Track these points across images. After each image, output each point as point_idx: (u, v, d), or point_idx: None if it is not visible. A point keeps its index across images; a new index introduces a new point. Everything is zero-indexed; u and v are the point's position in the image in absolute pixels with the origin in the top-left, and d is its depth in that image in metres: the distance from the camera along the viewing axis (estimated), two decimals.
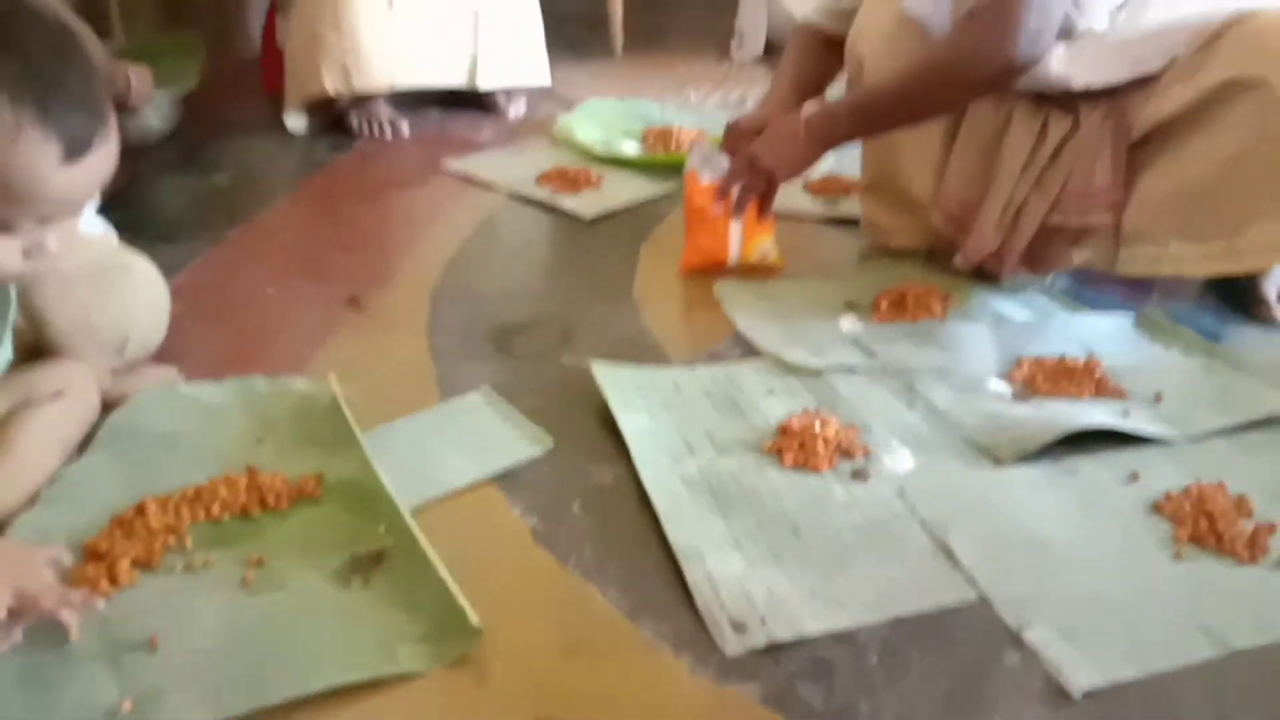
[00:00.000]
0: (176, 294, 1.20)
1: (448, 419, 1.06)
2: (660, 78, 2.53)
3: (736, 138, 1.43)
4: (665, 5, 3.13)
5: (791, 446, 1.01)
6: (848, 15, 1.46)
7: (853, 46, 1.42)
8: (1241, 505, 0.93)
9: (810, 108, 1.31)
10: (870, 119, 1.28)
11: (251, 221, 1.64)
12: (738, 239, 1.41)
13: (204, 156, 1.93)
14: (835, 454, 1.01)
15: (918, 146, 1.40)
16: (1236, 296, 1.32)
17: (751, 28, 2.72)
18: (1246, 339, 1.27)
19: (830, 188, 1.74)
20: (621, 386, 1.11)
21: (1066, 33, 1.22)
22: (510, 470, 0.98)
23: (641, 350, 1.24)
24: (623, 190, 1.76)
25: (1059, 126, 1.28)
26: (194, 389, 1.11)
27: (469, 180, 1.82)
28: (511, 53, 2.18)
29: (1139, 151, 1.25)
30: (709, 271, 1.42)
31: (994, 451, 1.02)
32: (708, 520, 0.91)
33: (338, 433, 1.01)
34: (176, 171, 1.85)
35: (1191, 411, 1.08)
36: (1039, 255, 1.32)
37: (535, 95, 2.29)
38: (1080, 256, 1.31)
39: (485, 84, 2.15)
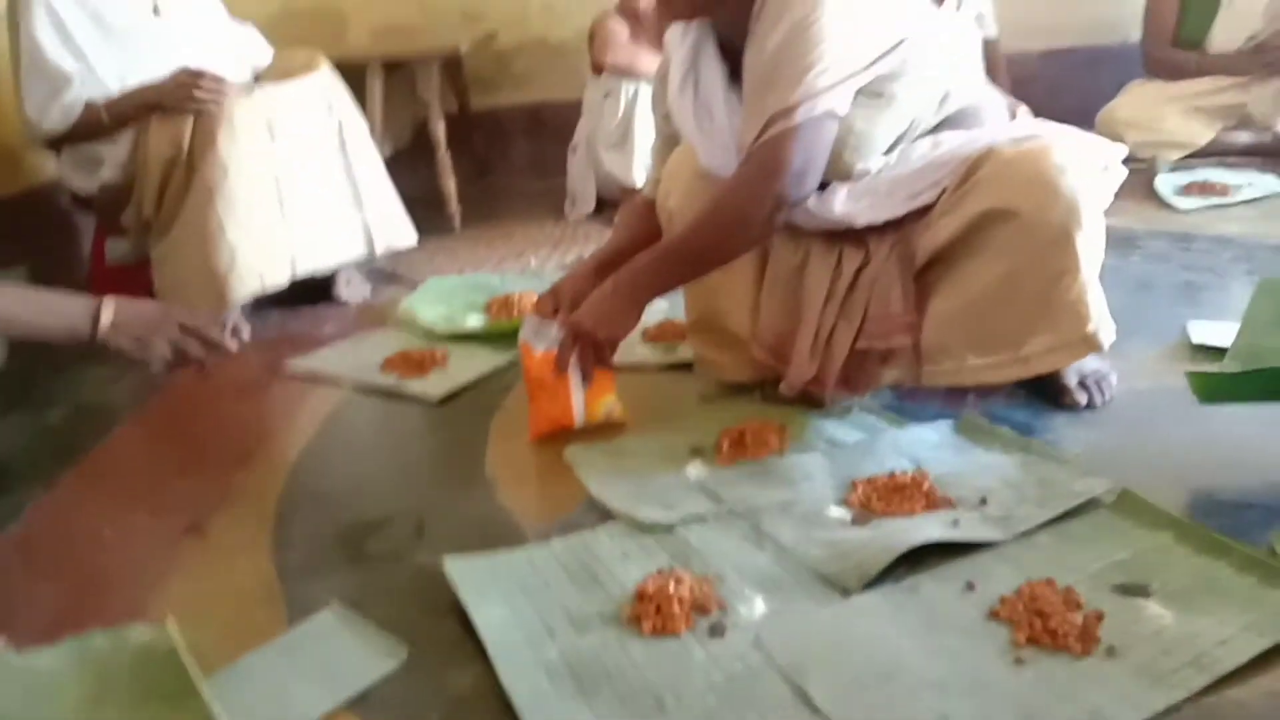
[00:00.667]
0: (7, 549, 1.15)
1: (295, 647, 1.03)
2: (500, 247, 2.61)
3: (555, 301, 1.49)
4: (498, 175, 3.25)
5: (649, 613, 1.02)
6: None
7: (662, 202, 1.51)
8: (1070, 598, 0.98)
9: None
10: (672, 269, 1.35)
11: (87, 458, 1.58)
12: (580, 401, 1.44)
13: (34, 394, 1.86)
14: (691, 612, 1.02)
15: (731, 286, 1.49)
16: (1044, 388, 1.43)
17: (581, 187, 2.85)
18: (1057, 427, 1.36)
19: (667, 334, 1.81)
20: (476, 579, 1.10)
21: (846, 175, 1.34)
22: (365, 691, 0.95)
23: (497, 532, 1.23)
24: (470, 366, 1.78)
25: (852, 260, 1.39)
26: (25, 659, 1.04)
27: (313, 378, 1.81)
28: (389, 214, 2.25)
29: (927, 276, 1.36)
30: (558, 436, 1.45)
31: (841, 581, 1.05)
32: (571, 709, 0.91)
33: (179, 684, 0.96)
34: (4, 414, 1.79)
35: (1015, 510, 1.15)
36: (854, 377, 1.41)
37: (376, 280, 2.32)
38: (890, 375, 1.40)
39: (381, 248, 2.21)
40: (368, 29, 3.18)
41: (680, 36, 1.43)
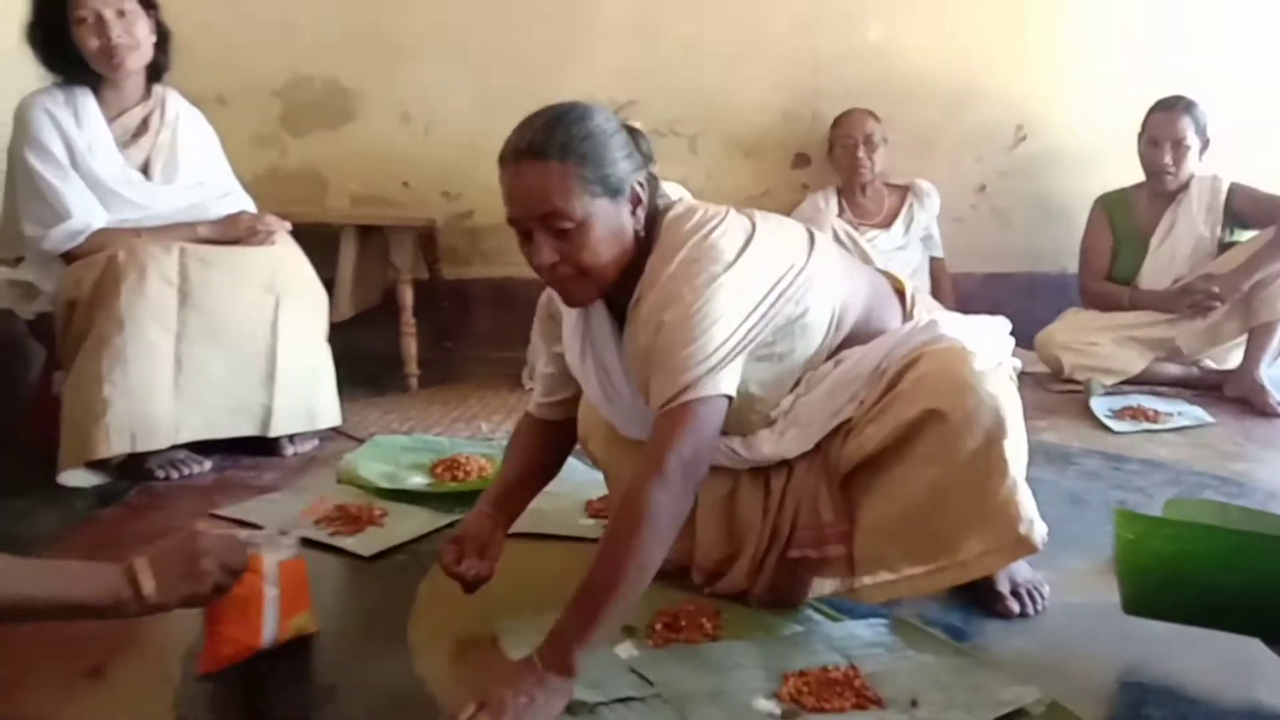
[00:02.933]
0: None
1: None
2: (453, 410, 2.63)
3: (459, 549, 1.37)
4: (460, 341, 3.31)
5: None
6: (562, 405, 1.53)
7: (584, 443, 1.56)
8: None
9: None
10: (598, 611, 1.14)
11: None
12: (273, 620, 1.25)
13: None
14: None
15: None
16: (977, 594, 1.43)
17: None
18: (989, 633, 1.36)
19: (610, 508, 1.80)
20: None
21: (764, 419, 1.38)
22: None
23: (411, 703, 1.18)
24: (406, 525, 1.76)
25: (778, 478, 1.41)
26: None
27: (241, 526, 1.76)
28: (304, 398, 2.22)
29: (854, 483, 1.36)
30: (236, 661, 1.23)
31: None
32: None
33: None
34: None
35: (944, 714, 1.13)
36: (784, 586, 1.40)
37: (324, 434, 2.31)
38: (827, 586, 1.38)
39: (277, 431, 2.17)
40: (348, 195, 3.30)
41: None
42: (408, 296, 2.85)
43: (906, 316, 1.46)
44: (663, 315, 1.22)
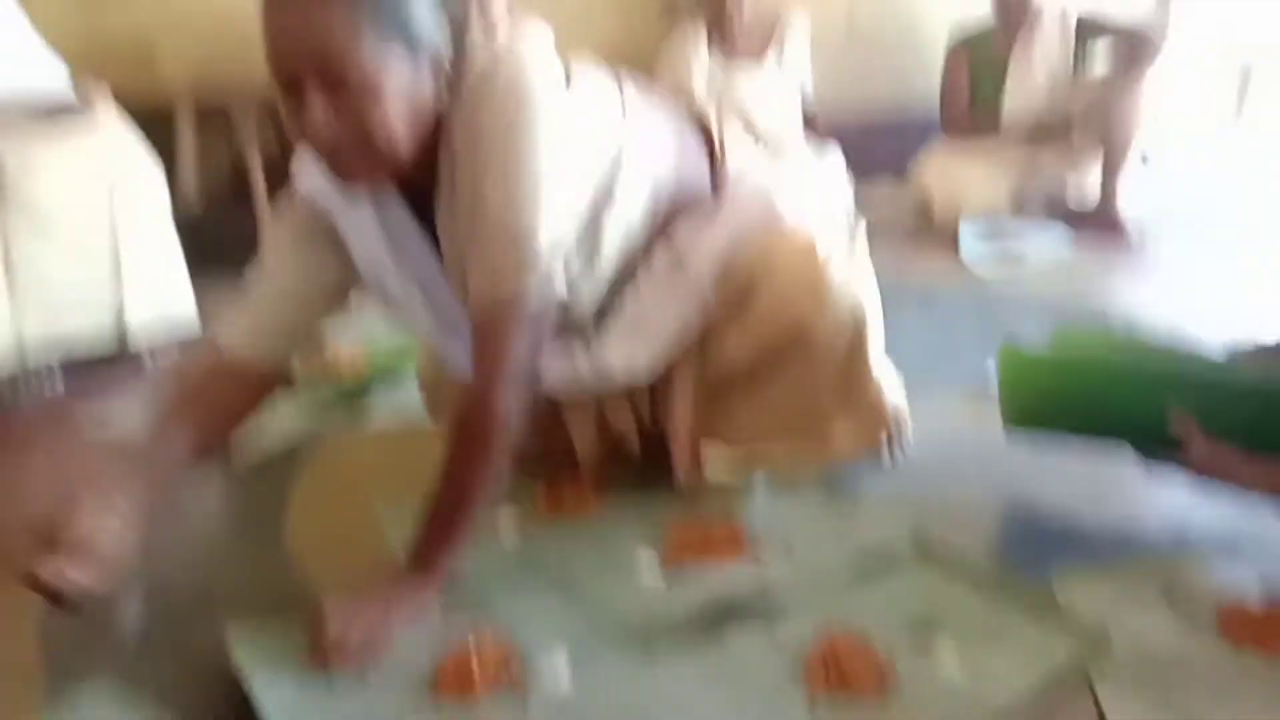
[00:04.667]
0: None
1: None
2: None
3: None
4: None
5: (448, 678, 0.98)
6: (273, 337, 1.21)
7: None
8: (865, 643, 1.00)
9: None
10: (456, 529, 1.07)
11: None
12: None
13: None
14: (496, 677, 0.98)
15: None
16: None
17: None
18: (858, 474, 1.39)
19: None
20: (261, 650, 1.03)
21: (585, 322, 1.23)
22: None
23: (290, 605, 1.16)
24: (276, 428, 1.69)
25: (641, 397, 1.34)
26: None
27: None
28: (158, 295, 2.06)
29: (719, 395, 1.30)
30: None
31: (649, 637, 1.04)
32: None
33: None
34: None
35: (817, 556, 1.18)
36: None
37: (186, 342, 2.17)
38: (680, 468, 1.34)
39: (133, 328, 2.02)
40: (184, 63, 3.00)
41: (344, 213, 1.15)
42: (260, 179, 2.66)
43: (716, 165, 1.31)
44: (478, 185, 1.03)
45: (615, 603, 1.10)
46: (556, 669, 1.00)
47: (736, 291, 1.23)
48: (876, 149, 3.16)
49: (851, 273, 1.29)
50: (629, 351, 1.23)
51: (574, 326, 1.23)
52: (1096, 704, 0.92)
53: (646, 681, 0.99)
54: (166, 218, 2.13)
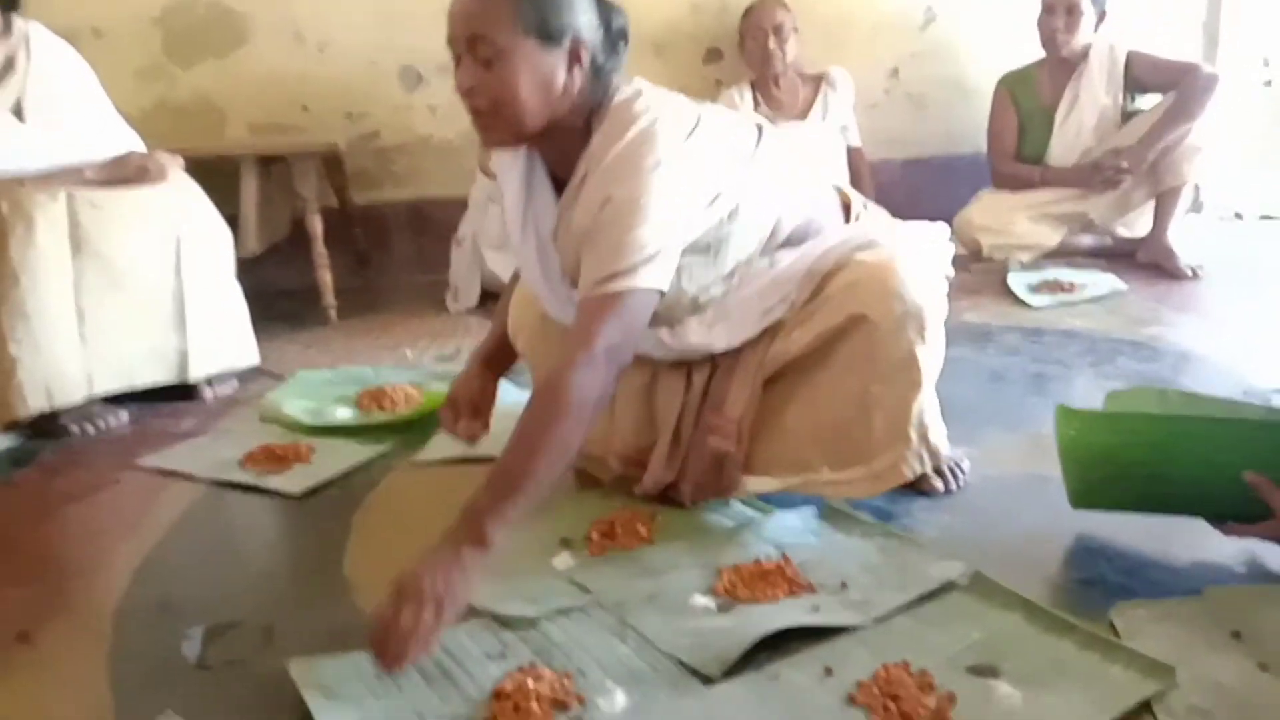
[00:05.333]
0: None
1: None
2: (377, 339, 2.57)
3: (455, 411, 1.45)
4: (379, 267, 3.22)
5: (506, 712, 0.98)
6: None
7: (514, 338, 1.52)
8: (924, 681, 0.99)
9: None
10: (514, 491, 1.10)
11: None
12: None
13: None
14: (551, 709, 0.99)
15: None
16: None
17: (465, 280, 2.84)
18: (914, 512, 1.40)
19: None
20: (323, 682, 1.05)
21: (694, 306, 1.34)
22: None
23: (352, 636, 1.17)
24: (335, 460, 1.73)
25: (700, 374, 1.41)
26: None
27: (166, 475, 1.72)
28: (219, 338, 2.15)
29: (778, 386, 1.37)
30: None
31: (703, 670, 1.04)
32: None
33: None
34: None
35: (874, 594, 1.17)
36: (712, 481, 1.40)
37: (244, 374, 2.25)
38: (763, 484, 1.39)
39: (196, 375, 2.10)
40: (246, 125, 3.15)
41: (508, 167, 1.35)
42: (317, 226, 2.74)
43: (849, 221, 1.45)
44: (609, 190, 1.19)
45: (670, 636, 1.10)
46: (613, 701, 1.00)
47: (814, 286, 1.32)
48: (924, 195, 3.16)
49: (925, 292, 1.30)
50: (709, 330, 1.35)
51: (673, 319, 1.34)
52: None
53: (701, 709, 0.98)
54: (230, 268, 2.21)
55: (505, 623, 1.16)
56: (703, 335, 1.36)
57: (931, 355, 1.32)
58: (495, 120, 1.22)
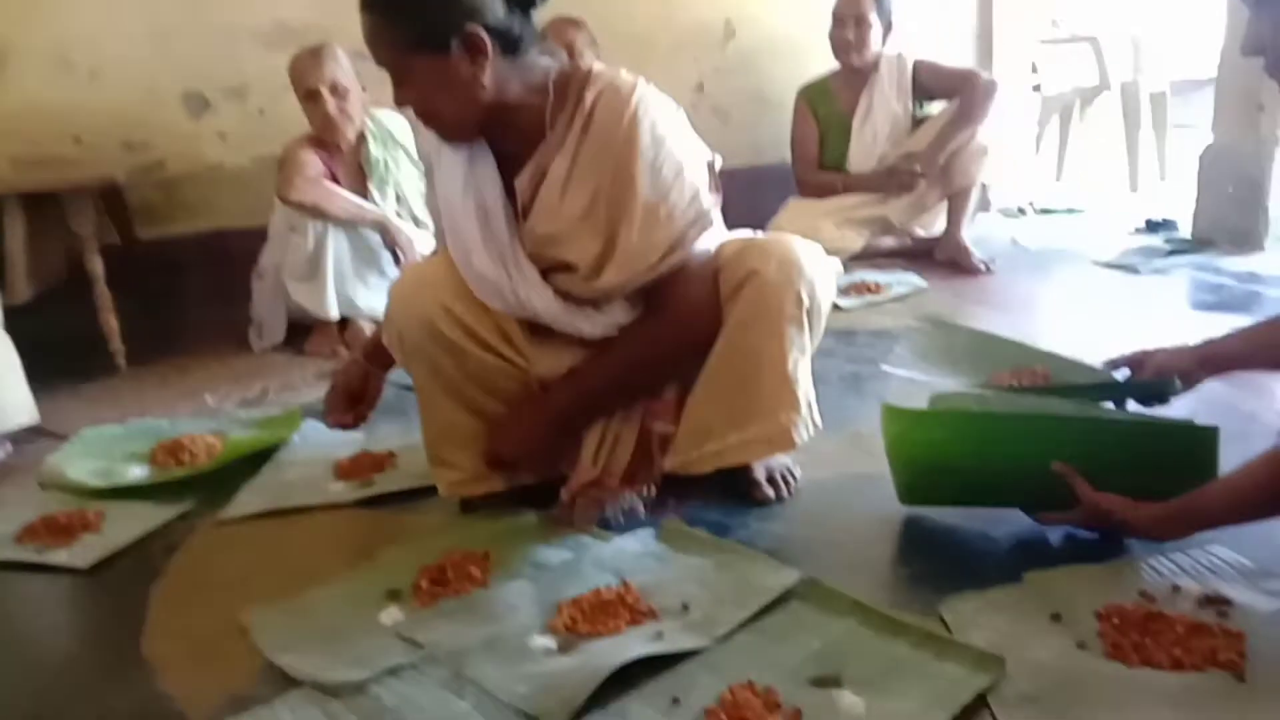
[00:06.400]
0: None
1: None
2: (173, 386, 2.37)
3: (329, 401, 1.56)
4: (171, 306, 2.97)
5: None
6: None
7: (394, 343, 1.42)
8: (770, 699, 0.98)
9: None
10: (596, 383, 1.39)
11: None
12: None
13: None
14: None
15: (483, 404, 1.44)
16: (735, 486, 1.47)
17: (268, 316, 2.67)
18: (750, 524, 1.40)
19: (362, 468, 1.69)
20: None
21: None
22: None
23: None
24: (128, 525, 1.56)
25: None
26: None
27: None
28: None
29: None
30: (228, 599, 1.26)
31: (549, 719, 0.99)
32: None
33: None
34: None
35: (716, 612, 1.15)
36: (639, 469, 1.43)
37: (19, 436, 2.01)
38: (670, 463, 1.43)
39: None
40: (8, 159, 2.84)
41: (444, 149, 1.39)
42: (98, 266, 2.50)
43: None
44: (632, 169, 1.27)
45: (510, 685, 1.05)
46: None
47: (716, 254, 1.39)
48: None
49: (819, 267, 1.38)
50: (634, 311, 1.40)
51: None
52: None
53: None
54: None
55: (330, 691, 1.07)
56: (627, 313, 1.39)
57: (815, 325, 1.39)
58: (434, 126, 1.31)
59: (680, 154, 1.31)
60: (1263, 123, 2.87)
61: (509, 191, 1.36)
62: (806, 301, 1.35)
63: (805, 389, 1.41)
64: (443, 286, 1.37)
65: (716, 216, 1.38)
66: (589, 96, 1.30)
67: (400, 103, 1.29)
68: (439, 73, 1.24)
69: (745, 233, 1.45)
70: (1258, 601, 1.10)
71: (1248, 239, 2.91)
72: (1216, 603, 1.09)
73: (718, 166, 1.41)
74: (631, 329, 1.38)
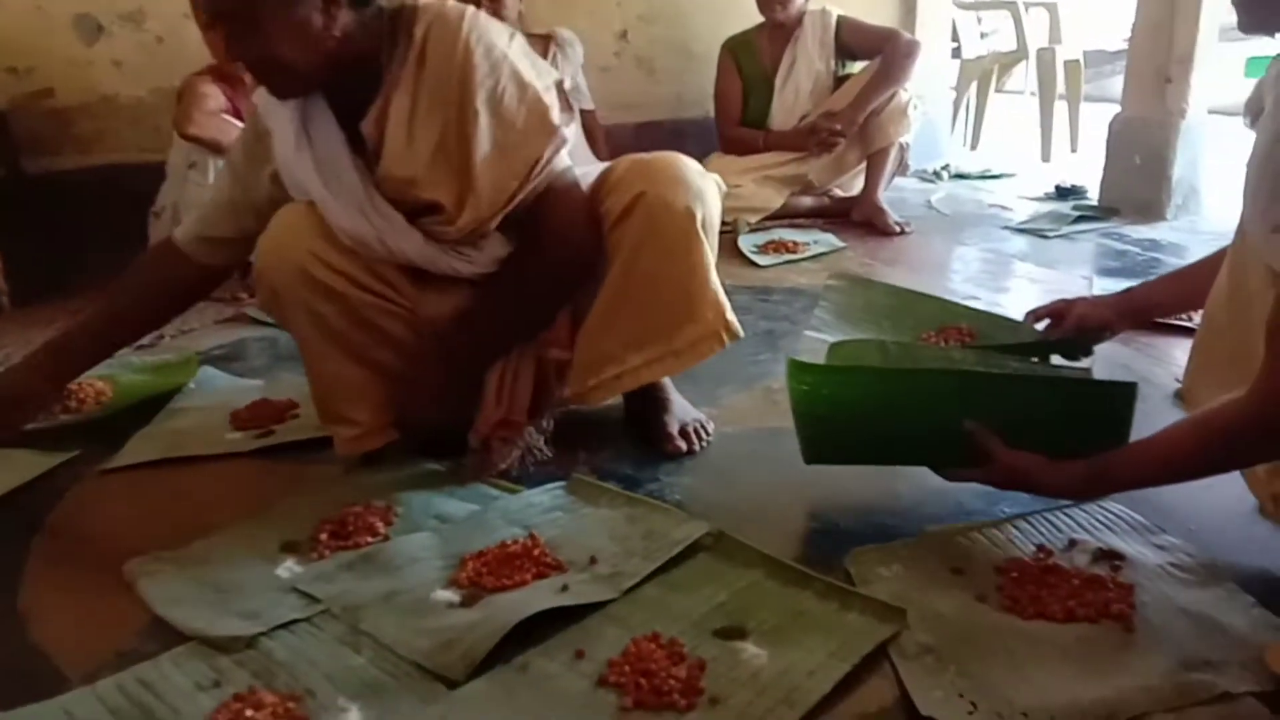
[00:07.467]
0: None
1: None
2: (60, 328, 2.24)
3: None
4: (61, 244, 2.79)
5: None
6: (222, 246, 1.44)
7: (302, 270, 1.33)
8: (674, 651, 0.97)
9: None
10: (497, 322, 1.37)
11: None
12: None
13: None
14: None
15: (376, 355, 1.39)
16: (647, 438, 1.46)
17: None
18: (661, 476, 1.39)
19: (260, 416, 1.63)
20: None
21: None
22: None
23: (26, 679, 1.00)
24: (8, 473, 1.46)
25: None
26: None
27: None
28: None
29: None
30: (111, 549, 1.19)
31: (446, 673, 0.96)
32: None
33: None
34: None
35: (624, 565, 1.14)
36: (544, 401, 1.40)
37: None
38: (569, 390, 1.41)
39: None
40: None
41: (276, 101, 1.32)
42: None
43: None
44: (478, 101, 1.23)
45: (409, 639, 1.02)
46: (343, 712, 0.91)
47: (601, 176, 1.37)
48: None
49: (705, 182, 1.36)
50: (510, 244, 1.36)
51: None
52: (900, 683, 0.94)
53: (443, 713, 0.91)
54: None
55: (219, 646, 1.02)
56: (505, 246, 1.35)
57: (711, 238, 1.36)
58: (275, 81, 1.26)
59: (522, 75, 1.27)
60: (1169, 95, 2.95)
61: (357, 141, 1.30)
62: (699, 215, 1.33)
63: (716, 301, 1.38)
64: (311, 233, 1.30)
65: (572, 134, 1.32)
66: (418, 31, 1.26)
67: (235, 57, 1.24)
68: (290, 23, 1.19)
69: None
70: (1148, 555, 1.14)
71: (1151, 208, 3.01)
72: (1110, 556, 1.13)
73: (568, 86, 1.38)
74: (511, 262, 1.35)
